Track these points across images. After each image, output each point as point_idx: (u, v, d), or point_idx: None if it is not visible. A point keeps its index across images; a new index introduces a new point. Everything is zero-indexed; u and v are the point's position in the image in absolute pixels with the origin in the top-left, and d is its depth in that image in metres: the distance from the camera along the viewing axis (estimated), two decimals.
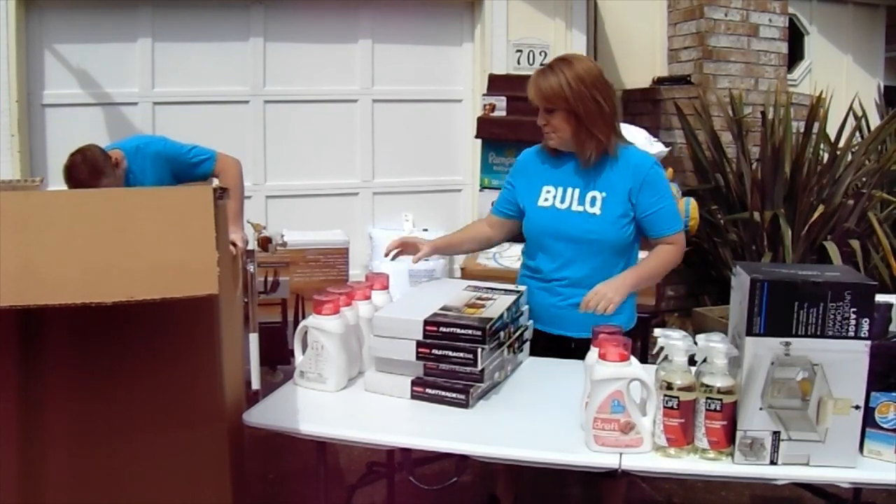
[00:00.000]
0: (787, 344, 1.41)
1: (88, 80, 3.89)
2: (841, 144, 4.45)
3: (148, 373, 1.42)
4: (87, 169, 2.63)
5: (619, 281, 2.00)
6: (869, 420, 1.45)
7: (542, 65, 2.07)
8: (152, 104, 4.01)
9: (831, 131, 4.50)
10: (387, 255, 2.15)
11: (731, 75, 4.83)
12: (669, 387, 1.47)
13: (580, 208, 2.06)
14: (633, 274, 2.04)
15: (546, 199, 2.11)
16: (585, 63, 2.06)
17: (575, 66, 2.02)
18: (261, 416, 1.70)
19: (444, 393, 1.72)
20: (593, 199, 2.05)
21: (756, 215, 4.16)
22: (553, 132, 2.05)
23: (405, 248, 2.16)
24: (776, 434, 1.44)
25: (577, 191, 2.08)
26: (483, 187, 3.86)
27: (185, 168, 2.90)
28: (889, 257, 3.93)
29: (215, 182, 3.16)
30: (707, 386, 1.46)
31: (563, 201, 2.08)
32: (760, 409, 1.43)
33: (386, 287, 2.01)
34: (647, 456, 1.50)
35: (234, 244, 2.72)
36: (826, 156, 4.40)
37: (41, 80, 3.84)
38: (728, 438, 1.46)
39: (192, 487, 1.45)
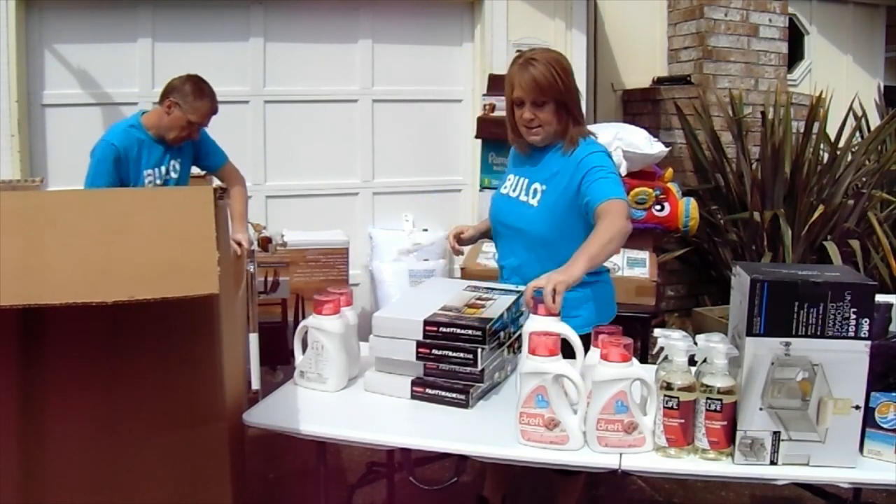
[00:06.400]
0: (787, 344, 1.41)
1: (88, 80, 3.88)
2: (841, 144, 4.45)
3: (148, 372, 1.42)
4: (212, 92, 2.93)
5: (569, 268, 1.74)
6: (869, 420, 1.46)
7: (525, 58, 2.01)
8: (152, 104, 3.99)
9: (831, 131, 4.49)
10: (456, 254, 2.36)
11: (731, 75, 4.83)
12: (669, 387, 1.47)
13: (524, 198, 2.09)
14: (583, 255, 1.78)
15: (506, 187, 2.16)
16: (560, 54, 2.07)
17: (556, 57, 2.03)
18: (261, 416, 1.70)
19: (444, 393, 1.72)
20: (535, 191, 2.07)
21: (756, 215, 4.15)
22: (541, 126, 2.02)
23: (458, 240, 2.26)
24: (776, 434, 1.44)
25: (526, 180, 2.11)
26: (483, 187, 3.84)
27: (207, 150, 3.08)
28: (889, 257, 3.92)
29: (216, 182, 3.17)
30: (707, 386, 1.46)
31: (514, 189, 2.13)
32: (760, 409, 1.43)
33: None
34: (648, 456, 1.50)
35: (240, 244, 2.74)
36: (826, 156, 4.39)
37: (41, 80, 3.82)
38: (728, 438, 1.46)
39: (192, 487, 1.45)
